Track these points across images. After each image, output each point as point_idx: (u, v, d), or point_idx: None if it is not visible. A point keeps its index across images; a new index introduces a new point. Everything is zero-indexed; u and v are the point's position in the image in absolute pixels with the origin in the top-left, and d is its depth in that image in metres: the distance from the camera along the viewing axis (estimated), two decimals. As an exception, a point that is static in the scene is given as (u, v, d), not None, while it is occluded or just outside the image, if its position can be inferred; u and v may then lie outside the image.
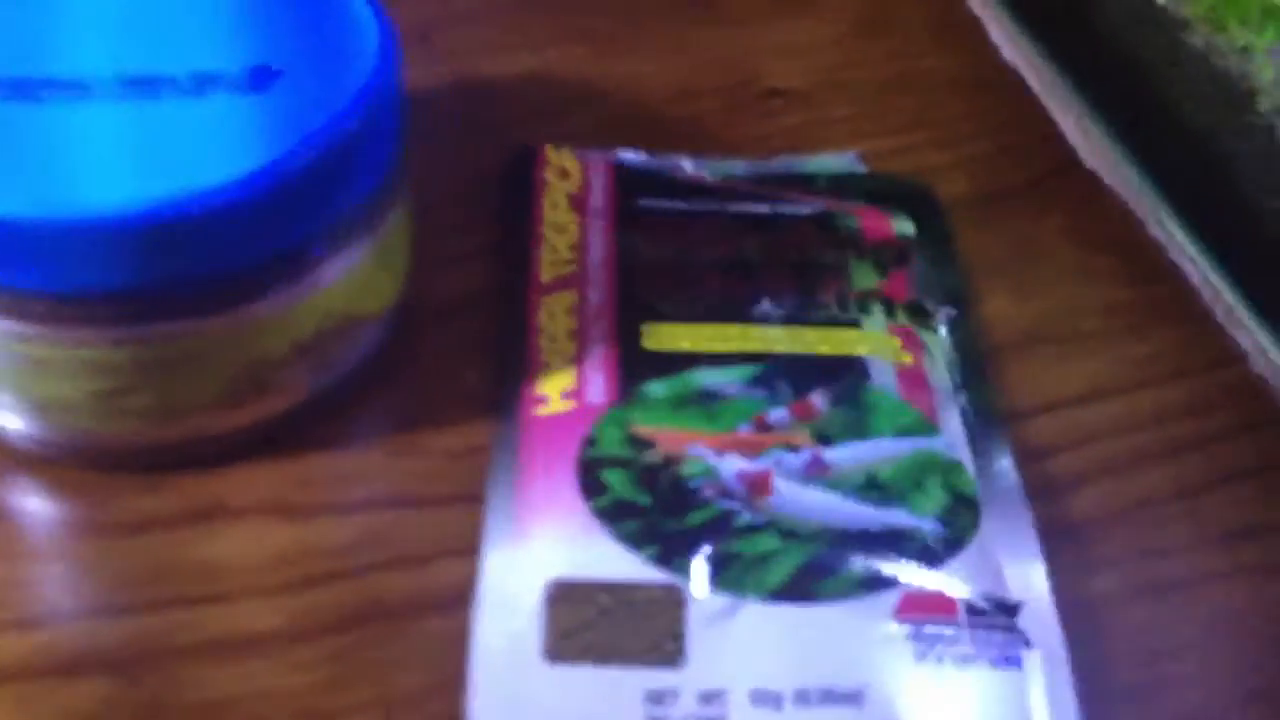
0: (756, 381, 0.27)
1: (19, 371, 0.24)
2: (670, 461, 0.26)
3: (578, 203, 0.31)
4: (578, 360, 0.28)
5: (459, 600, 0.24)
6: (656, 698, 0.23)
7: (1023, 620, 0.24)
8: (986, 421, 0.27)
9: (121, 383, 0.24)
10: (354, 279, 0.26)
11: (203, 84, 0.24)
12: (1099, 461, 0.27)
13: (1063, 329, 0.30)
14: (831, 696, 0.22)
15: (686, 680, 0.23)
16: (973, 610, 0.24)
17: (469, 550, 0.25)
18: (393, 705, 0.23)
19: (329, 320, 0.26)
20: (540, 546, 0.24)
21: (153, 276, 0.23)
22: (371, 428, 0.27)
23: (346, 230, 0.25)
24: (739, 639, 0.23)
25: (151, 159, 0.23)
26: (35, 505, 0.26)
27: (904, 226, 0.31)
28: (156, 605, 0.24)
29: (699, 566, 0.24)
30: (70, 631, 0.24)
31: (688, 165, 0.33)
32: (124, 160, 0.23)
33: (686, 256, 0.30)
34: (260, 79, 0.25)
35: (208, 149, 0.23)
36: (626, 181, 0.32)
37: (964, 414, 0.27)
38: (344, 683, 0.23)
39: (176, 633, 0.24)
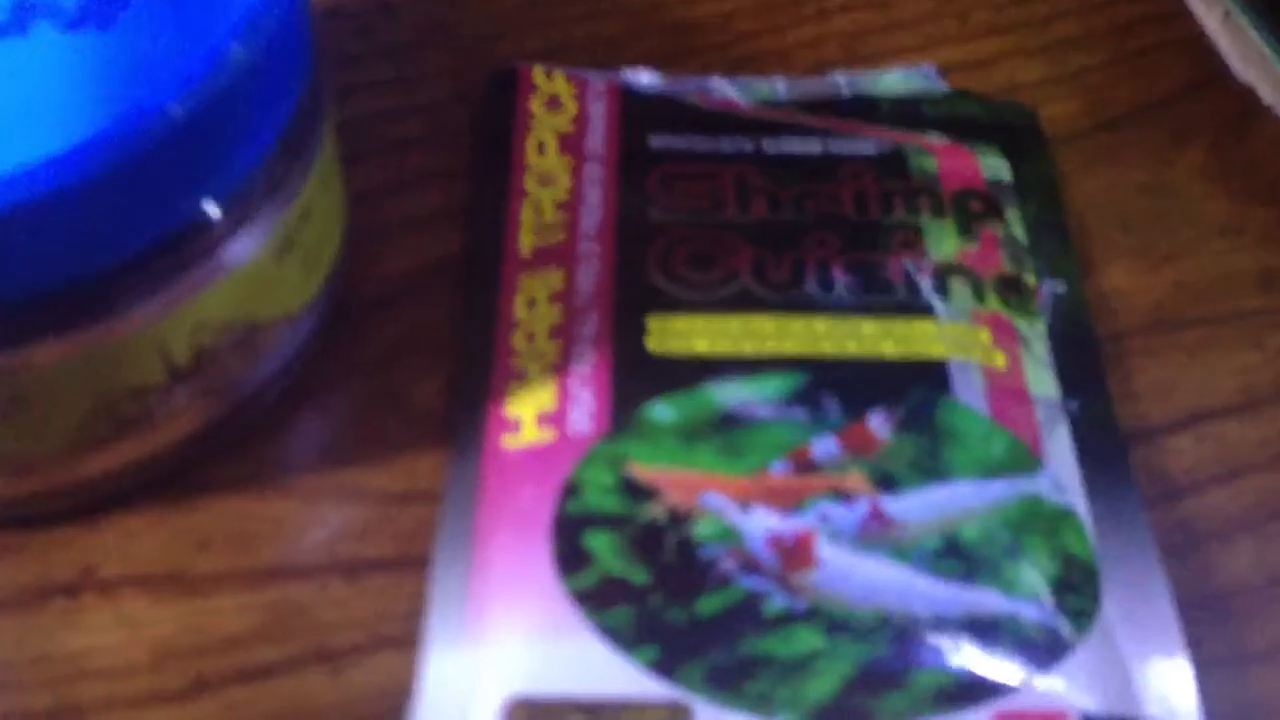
0: (797, 398, 0.21)
1: None
2: (678, 518, 0.20)
3: (571, 144, 0.25)
4: (560, 369, 0.22)
5: (394, 716, 0.19)
6: None
7: (1161, 750, 0.18)
8: (1105, 448, 0.21)
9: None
10: (251, 274, 0.20)
11: (22, 16, 0.18)
12: (1261, 499, 0.21)
13: (1208, 308, 0.24)
14: None
15: None
16: (1092, 735, 0.18)
17: (411, 641, 0.20)
18: None
19: (218, 332, 0.20)
20: (499, 646, 0.19)
21: None
22: (287, 467, 0.22)
23: (235, 211, 0.19)
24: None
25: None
26: None
27: (995, 168, 0.25)
28: (-6, 724, 0.19)
29: (715, 676, 0.18)
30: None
31: (715, 87, 0.27)
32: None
33: (710, 217, 0.24)
34: (101, 7, 0.19)
35: (29, 109, 0.17)
36: (635, 112, 0.26)
37: (1075, 435, 0.21)
38: (234, 839, 0.18)
39: (16, 765, 0.19)
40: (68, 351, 0.19)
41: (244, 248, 0.20)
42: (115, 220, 0.18)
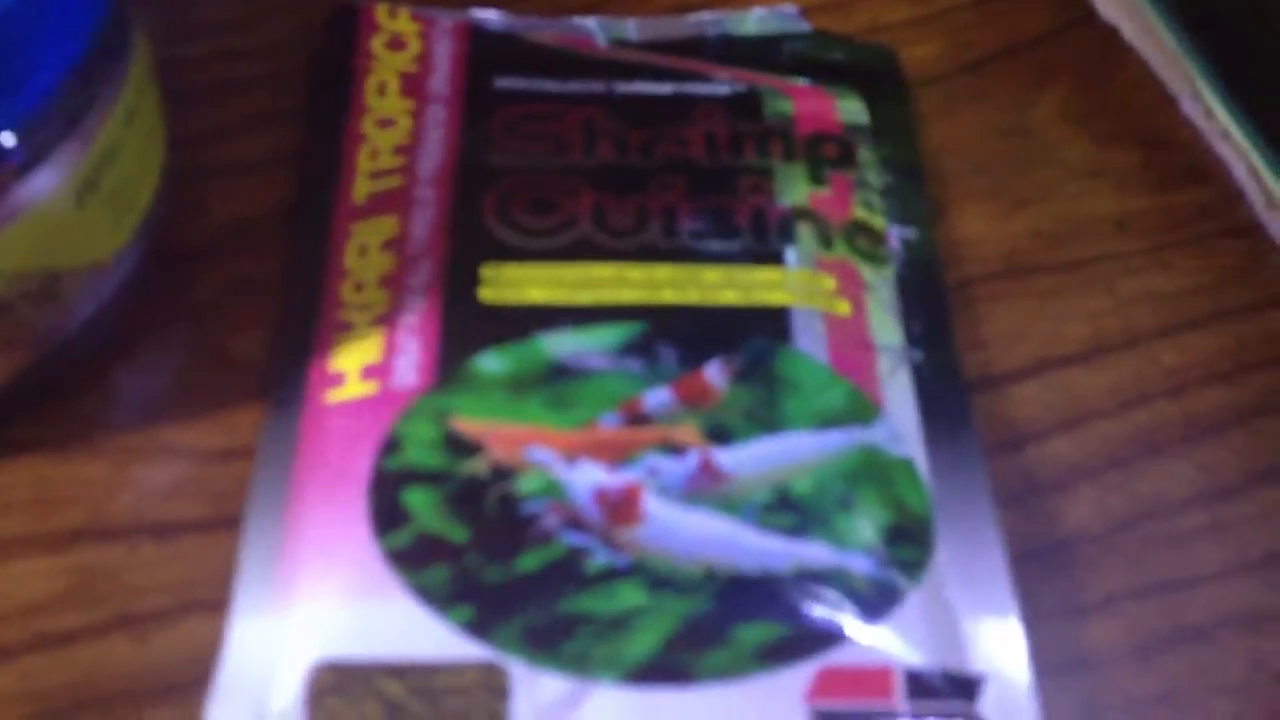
0: (632, 348, 0.21)
1: None
2: (501, 473, 0.20)
3: (413, 85, 0.25)
4: (389, 320, 0.22)
5: (201, 683, 0.19)
6: None
7: (987, 702, 0.18)
8: (949, 394, 0.21)
9: None
10: (49, 218, 0.20)
11: None
12: (1104, 448, 0.21)
13: (1062, 254, 0.24)
14: (709, 830, 0.17)
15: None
16: (918, 687, 0.18)
17: (222, 604, 0.19)
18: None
19: (14, 280, 0.20)
20: (308, 608, 0.18)
21: None
22: (104, 420, 0.21)
23: (25, 146, 0.19)
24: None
25: None
26: None
27: (853, 111, 0.25)
28: None
29: (531, 636, 0.18)
30: None
31: (569, 27, 0.26)
32: None
33: (553, 162, 0.24)
34: None
35: None
36: (482, 52, 0.25)
37: (918, 384, 0.21)
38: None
39: None
40: None
41: (39, 187, 0.19)
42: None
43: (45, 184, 0.19)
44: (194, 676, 0.19)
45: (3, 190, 0.19)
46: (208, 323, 0.22)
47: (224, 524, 0.20)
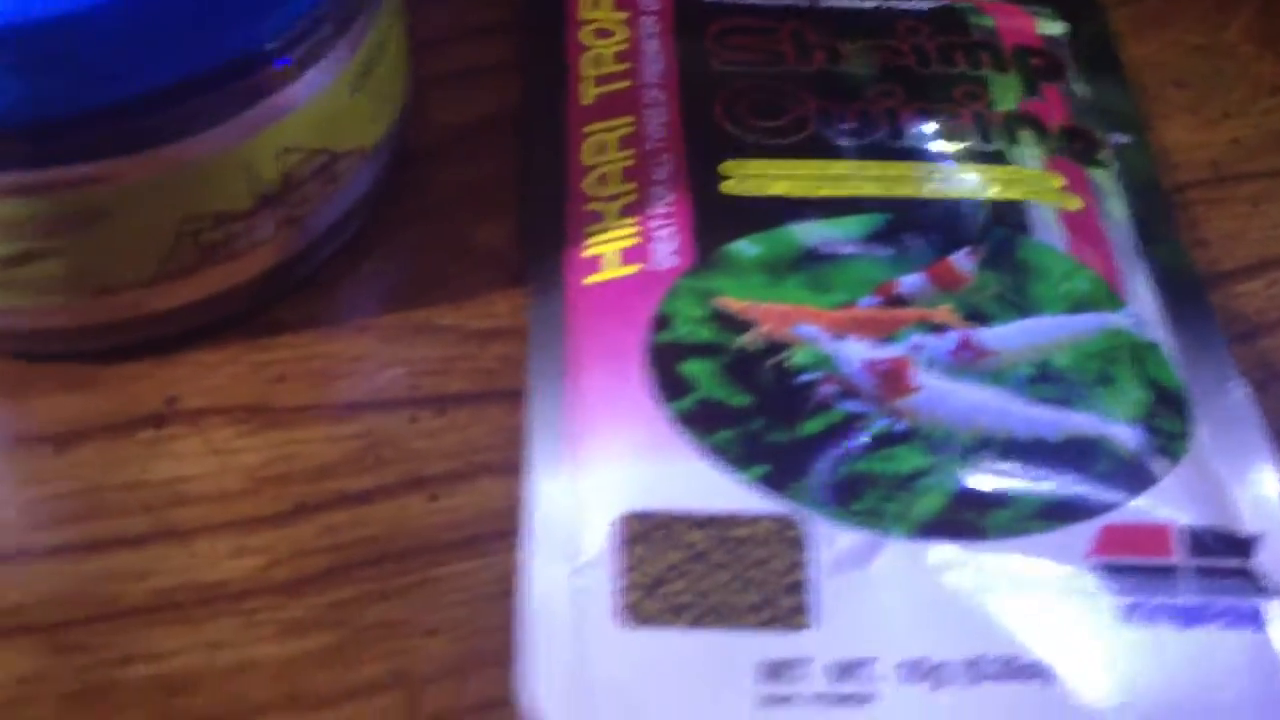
0: (878, 237, 0.22)
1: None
2: (773, 347, 0.21)
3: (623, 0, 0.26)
4: (638, 209, 0.23)
5: (498, 537, 0.20)
6: (773, 671, 0.18)
7: (1261, 559, 0.19)
8: (1183, 288, 0.22)
9: (24, 246, 0.19)
10: (329, 105, 0.21)
11: None
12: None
13: (1266, 163, 0.25)
14: (1010, 669, 0.18)
15: (813, 647, 0.18)
16: (1195, 544, 0.19)
17: (508, 467, 0.20)
18: (417, 684, 0.18)
19: (303, 157, 0.21)
20: (606, 466, 0.20)
21: (51, 101, 0.18)
22: (364, 304, 0.22)
23: (319, 29, 0.20)
24: (881, 591, 0.19)
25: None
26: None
27: (1051, 27, 0.26)
28: (90, 547, 0.19)
29: (824, 492, 0.19)
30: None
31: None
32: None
33: (771, 69, 0.25)
34: None
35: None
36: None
37: (1153, 278, 0.22)
38: (349, 652, 0.19)
39: (119, 583, 0.19)
40: (150, 168, 0.19)
41: (321, 77, 0.20)
42: (188, 33, 0.19)
43: (326, 74, 0.20)
44: (489, 531, 0.20)
45: (290, 79, 0.20)
46: (451, 216, 0.23)
47: (496, 397, 0.21)
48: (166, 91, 0.19)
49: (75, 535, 0.20)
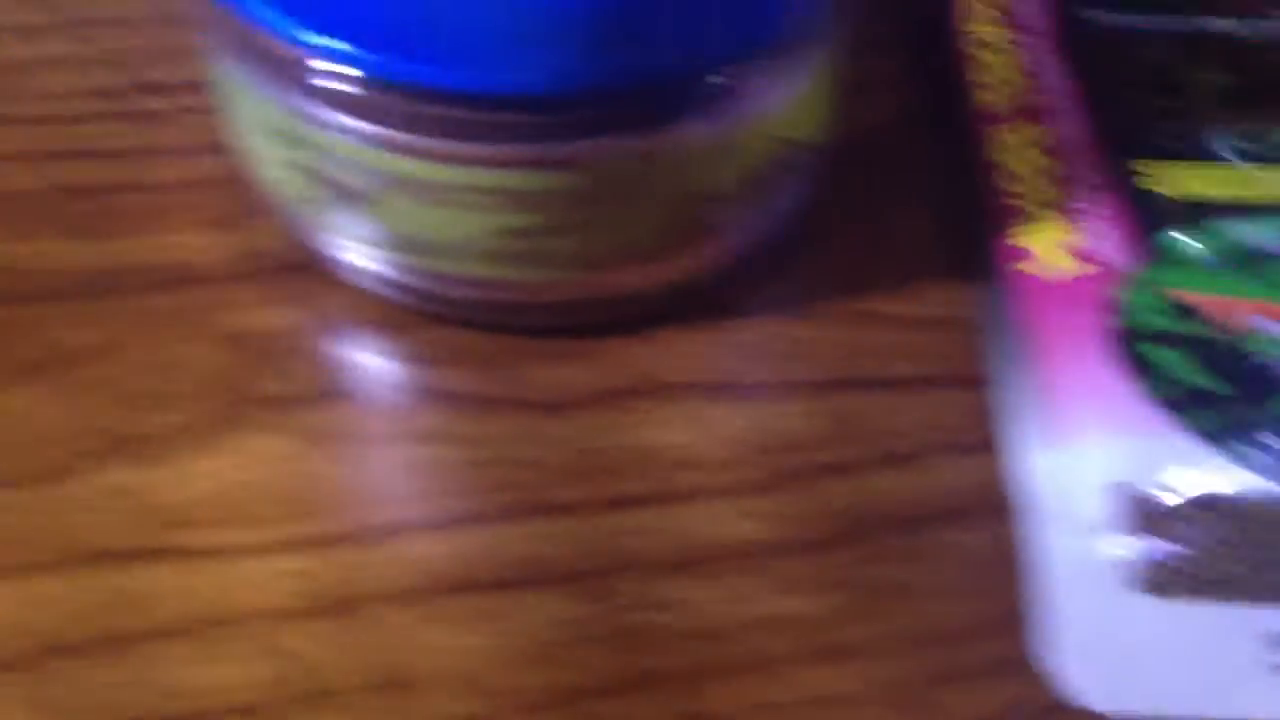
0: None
1: (407, 202, 0.21)
2: (1234, 336, 0.22)
3: (1008, 17, 0.27)
4: (1066, 206, 0.24)
5: (980, 510, 0.21)
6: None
7: None
8: None
9: (540, 219, 0.21)
10: (809, 92, 0.22)
11: None
12: None
13: None
14: None
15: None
16: None
17: (978, 446, 0.21)
18: (930, 641, 0.19)
19: (776, 147, 0.22)
20: (1098, 444, 0.20)
21: (597, 70, 0.19)
22: (811, 292, 0.23)
23: (811, 28, 0.21)
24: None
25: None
26: (420, 376, 0.22)
27: None
28: (597, 505, 0.21)
29: None
30: (496, 535, 0.20)
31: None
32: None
33: (1171, 79, 0.26)
34: None
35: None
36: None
37: None
38: (861, 610, 0.19)
39: (631, 539, 0.20)
40: (665, 145, 0.20)
41: (809, 67, 0.22)
42: (742, 16, 0.20)
43: (813, 66, 0.22)
44: (976, 504, 0.21)
45: (802, 64, 0.21)
46: (875, 211, 0.24)
47: (951, 380, 0.22)
48: (705, 69, 0.20)
49: (586, 493, 0.21)
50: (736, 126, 0.21)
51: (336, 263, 0.22)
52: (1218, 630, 0.19)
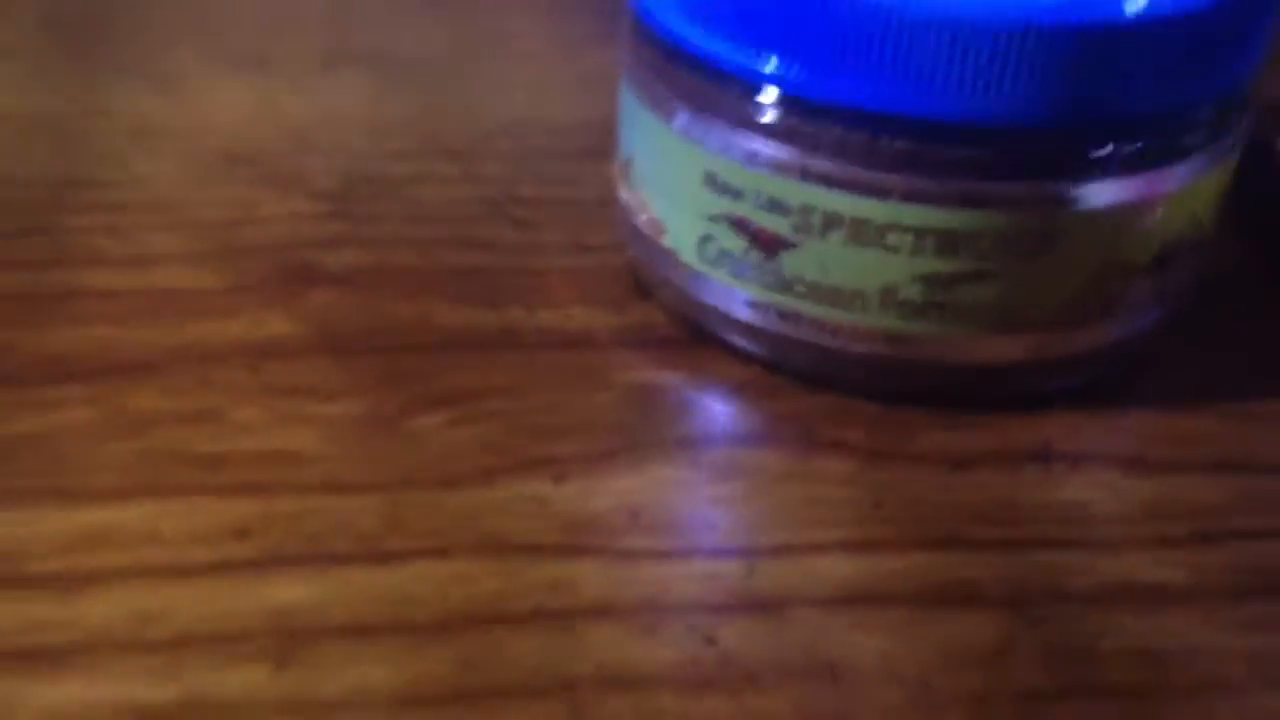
0: None
1: (828, 246, 0.21)
2: None
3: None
4: None
5: None
6: None
7: None
8: None
9: (969, 265, 0.21)
10: (1212, 181, 0.23)
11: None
12: None
13: None
14: None
15: None
16: None
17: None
18: None
19: (1187, 226, 0.22)
20: None
21: (1055, 107, 0.20)
22: (1199, 383, 0.23)
23: (1229, 111, 0.22)
24: None
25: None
26: (809, 431, 0.22)
27: None
28: (1018, 543, 0.20)
29: None
30: (914, 561, 0.20)
31: None
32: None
33: None
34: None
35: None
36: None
37: None
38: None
39: (1057, 574, 0.20)
40: (1105, 197, 0.21)
41: (1231, 143, 0.22)
42: (1200, 68, 0.21)
43: (1233, 144, 0.22)
44: None
45: (1225, 140, 0.22)
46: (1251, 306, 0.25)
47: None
48: (1176, 117, 0.20)
49: (1004, 534, 0.20)
50: (1166, 193, 0.21)
51: (729, 328, 0.23)
52: None
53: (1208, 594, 0.20)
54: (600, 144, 0.28)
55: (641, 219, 0.24)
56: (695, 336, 0.24)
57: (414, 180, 0.28)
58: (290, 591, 0.19)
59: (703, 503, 0.21)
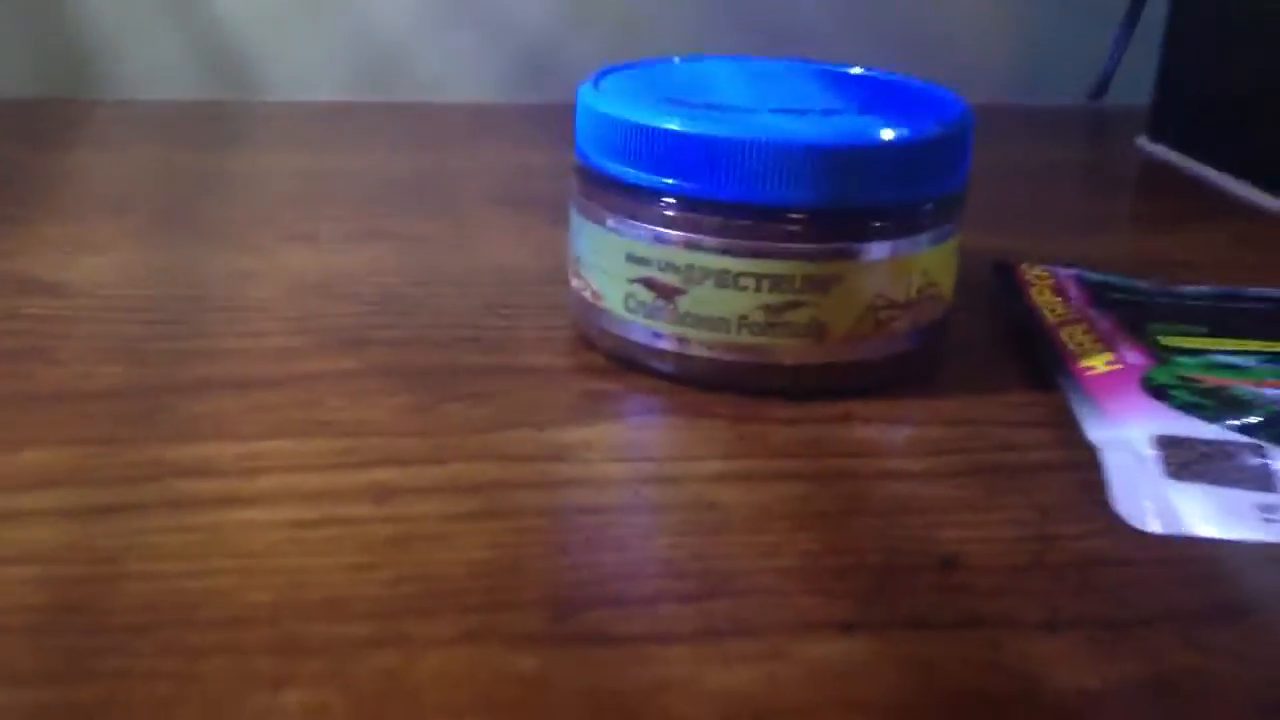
0: (1267, 360, 0.36)
1: (705, 291, 0.34)
2: (1221, 389, 0.34)
3: (1058, 289, 0.42)
4: (1110, 348, 0.37)
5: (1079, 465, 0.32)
6: (1268, 510, 0.30)
7: None
8: None
9: (789, 297, 0.34)
10: (941, 254, 0.36)
11: (829, 112, 0.36)
12: None
13: None
14: None
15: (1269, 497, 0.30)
16: None
17: (1070, 442, 0.33)
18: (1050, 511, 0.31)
19: (922, 281, 0.36)
20: (1139, 422, 0.33)
21: (837, 199, 0.34)
22: (956, 384, 0.36)
23: (946, 209, 0.36)
24: None
25: (822, 126, 0.34)
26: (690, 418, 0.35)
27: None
28: (827, 457, 0.33)
29: (1273, 434, 0.32)
30: (767, 465, 0.32)
31: (1145, 284, 0.43)
32: (808, 126, 0.34)
33: (1174, 304, 0.40)
34: (858, 108, 0.36)
35: (854, 127, 0.34)
36: (1094, 286, 0.42)
37: None
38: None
39: (850, 473, 0.32)
40: (874, 257, 0.34)
41: (941, 236, 0.36)
42: (919, 178, 0.34)
43: (943, 236, 0.36)
44: (1079, 461, 0.33)
45: (945, 224, 0.35)
46: (983, 353, 0.38)
47: (1049, 424, 0.35)
48: (896, 207, 0.34)
49: (815, 457, 0.33)
50: (917, 253, 0.35)
51: (646, 354, 0.36)
52: (1222, 501, 0.30)
53: (941, 477, 0.32)
54: (550, 277, 0.41)
55: (586, 293, 0.37)
56: (625, 366, 0.37)
57: (428, 296, 0.41)
58: (385, 475, 0.31)
59: (630, 443, 0.33)
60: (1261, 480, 0.31)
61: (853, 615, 0.26)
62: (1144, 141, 0.63)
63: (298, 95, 0.69)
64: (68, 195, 0.50)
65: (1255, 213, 0.54)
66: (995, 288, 0.43)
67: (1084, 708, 0.24)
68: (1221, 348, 0.37)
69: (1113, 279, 0.43)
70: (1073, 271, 0.43)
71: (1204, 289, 0.43)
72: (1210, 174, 0.57)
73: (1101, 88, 0.70)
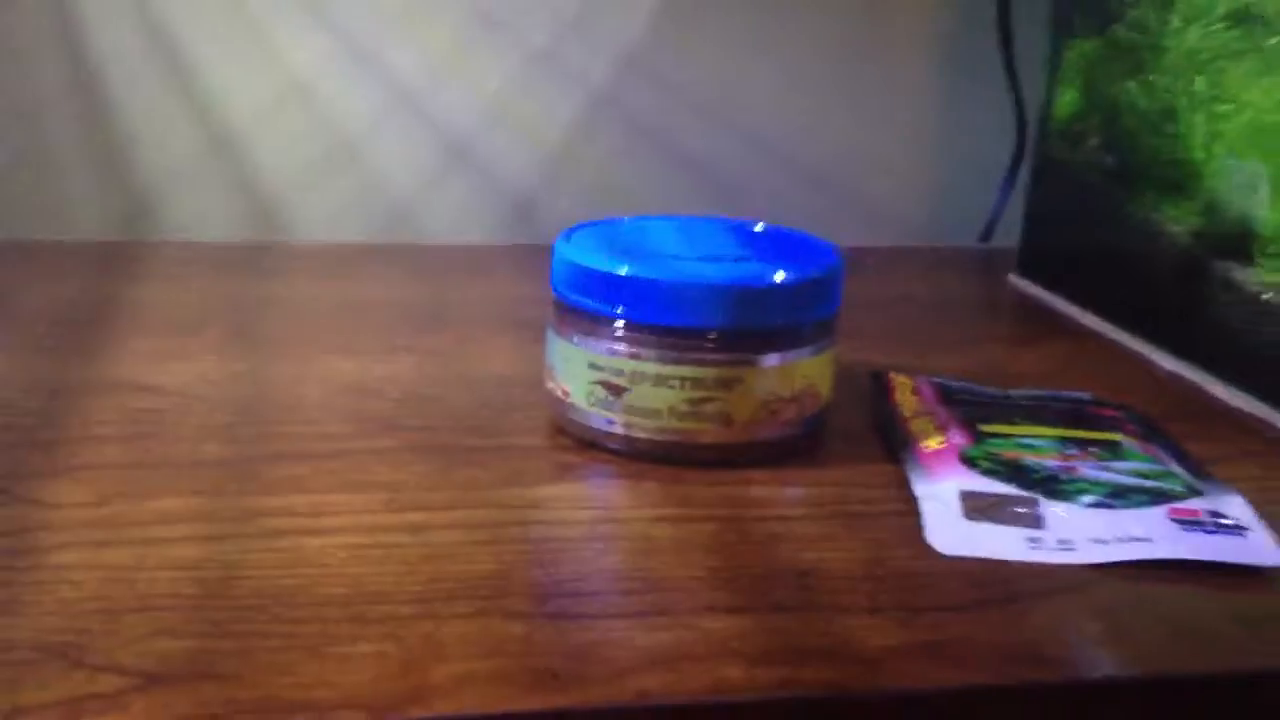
0: (1056, 442, 0.49)
1: (640, 387, 0.47)
2: (1015, 460, 0.47)
3: (918, 393, 0.55)
4: (943, 433, 0.50)
5: (908, 512, 0.45)
6: (1033, 540, 0.43)
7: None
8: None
9: (705, 394, 0.47)
10: (819, 363, 0.49)
11: (738, 259, 0.49)
12: None
13: None
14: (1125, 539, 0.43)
15: (1046, 533, 0.43)
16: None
17: (905, 498, 0.46)
18: (883, 544, 0.43)
19: (804, 383, 0.49)
20: (950, 481, 0.46)
21: (739, 324, 0.47)
22: (838, 462, 0.49)
23: (822, 330, 0.49)
24: (1075, 520, 0.44)
25: (732, 270, 0.47)
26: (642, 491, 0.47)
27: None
28: (738, 505, 0.45)
29: (1044, 490, 0.45)
30: (688, 512, 0.45)
31: (985, 389, 0.56)
32: (721, 270, 0.47)
33: (1001, 403, 0.53)
34: (760, 256, 0.49)
35: (754, 271, 0.47)
36: (944, 389, 0.55)
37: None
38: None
39: (752, 520, 0.45)
40: (768, 365, 0.47)
41: (819, 349, 0.49)
42: (798, 309, 0.48)
43: (819, 349, 0.49)
44: (904, 508, 0.45)
45: (818, 341, 0.49)
46: (858, 437, 0.51)
47: (898, 485, 0.47)
48: (796, 328, 0.47)
49: (728, 506, 0.45)
50: (796, 363, 0.48)
51: (604, 437, 0.48)
52: (1003, 532, 0.43)
53: (812, 520, 0.44)
54: (532, 381, 0.54)
55: (558, 392, 0.50)
56: (587, 445, 0.49)
57: (440, 395, 0.54)
58: (416, 517, 0.43)
59: (589, 497, 0.45)
60: (1032, 521, 0.44)
61: (738, 603, 0.39)
62: (1014, 277, 0.76)
63: (326, 237, 0.82)
64: (148, 318, 0.63)
65: (1089, 335, 0.67)
66: (870, 390, 0.55)
67: (885, 657, 0.36)
68: (1025, 433, 0.50)
69: (959, 384, 0.56)
70: (931, 379, 0.56)
71: (1027, 392, 0.56)
72: (1060, 303, 0.70)
73: (988, 231, 0.83)
